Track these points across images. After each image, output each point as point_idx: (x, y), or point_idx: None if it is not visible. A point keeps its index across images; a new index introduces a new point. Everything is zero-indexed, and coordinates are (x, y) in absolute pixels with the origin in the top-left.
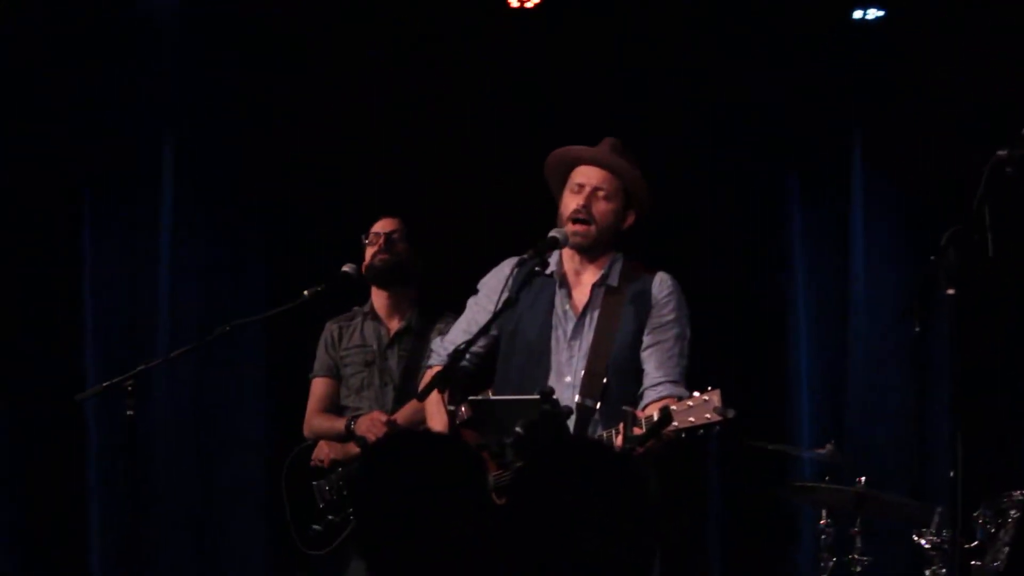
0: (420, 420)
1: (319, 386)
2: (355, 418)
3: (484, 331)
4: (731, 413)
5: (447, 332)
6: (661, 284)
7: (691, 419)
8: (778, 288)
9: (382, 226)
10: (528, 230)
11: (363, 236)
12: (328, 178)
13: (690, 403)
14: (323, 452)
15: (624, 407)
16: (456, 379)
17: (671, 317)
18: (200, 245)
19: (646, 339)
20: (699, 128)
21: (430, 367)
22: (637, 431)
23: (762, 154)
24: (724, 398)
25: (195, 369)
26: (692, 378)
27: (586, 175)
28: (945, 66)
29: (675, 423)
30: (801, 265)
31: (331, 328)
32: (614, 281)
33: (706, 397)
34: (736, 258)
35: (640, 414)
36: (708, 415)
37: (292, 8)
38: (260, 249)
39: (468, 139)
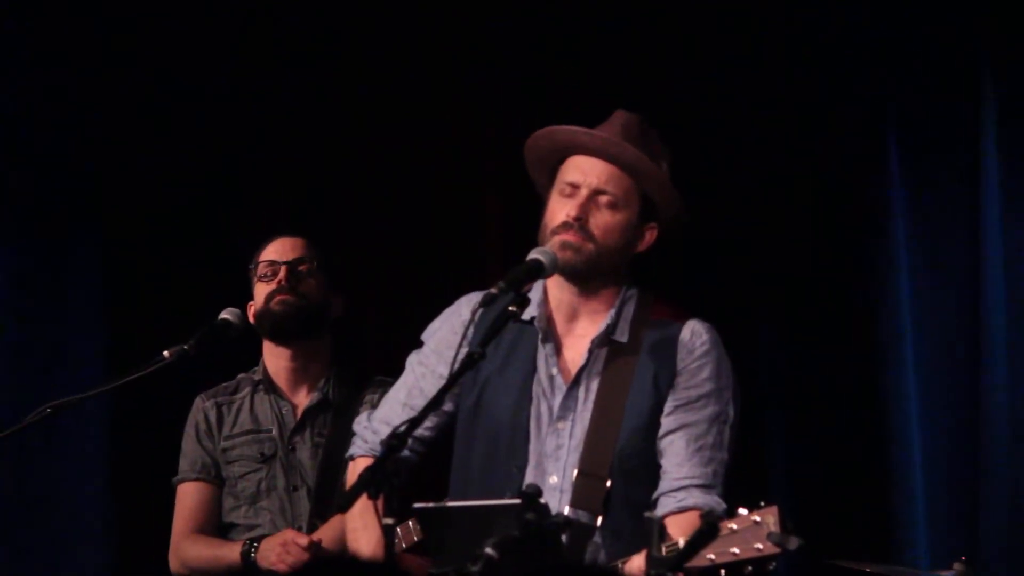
0: None
1: (189, 494)
2: (256, 542)
3: (434, 405)
4: (794, 543)
5: (378, 405)
6: (693, 337)
7: (734, 550)
8: (872, 328)
9: (280, 251)
10: (500, 253)
11: (250, 266)
12: (198, 179)
13: (733, 525)
14: None
15: (647, 514)
16: (393, 478)
17: (706, 389)
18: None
19: (666, 421)
20: (754, 98)
21: (351, 459)
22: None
23: (849, 128)
24: (786, 517)
25: (9, 466)
26: (736, 481)
27: (582, 170)
28: None
29: (711, 555)
30: (907, 287)
31: (203, 406)
32: (623, 333)
33: (756, 517)
34: (808, 286)
35: (672, 532)
36: (760, 545)
37: None
38: (94, 286)
39: (407, 117)
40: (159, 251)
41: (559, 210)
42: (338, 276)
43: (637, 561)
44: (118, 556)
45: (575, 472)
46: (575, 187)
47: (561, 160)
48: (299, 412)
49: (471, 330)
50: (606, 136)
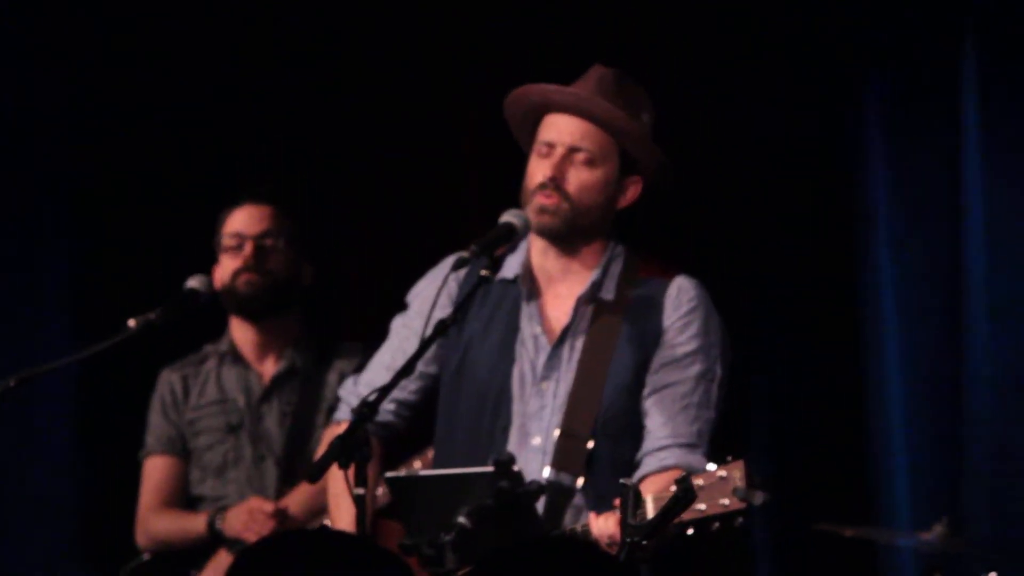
0: (322, 508)
1: (156, 468)
2: (221, 511)
3: (408, 368)
4: (759, 498)
5: (357, 370)
6: (680, 294)
7: (700, 506)
8: (852, 289)
9: (246, 222)
10: (478, 212)
11: (216, 235)
12: (165, 144)
13: (699, 481)
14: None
15: (623, 480)
16: (363, 445)
17: (691, 347)
18: None
19: (651, 380)
20: (734, 44)
21: (337, 423)
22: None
23: (825, 77)
24: (752, 471)
25: None
26: (724, 437)
27: (557, 128)
28: None
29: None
30: (886, 246)
31: (169, 379)
32: (609, 291)
33: (722, 473)
34: (791, 243)
35: (644, 493)
36: (725, 500)
37: None
38: (59, 254)
39: (379, 77)
40: (126, 214)
41: (536, 170)
42: (307, 243)
43: (603, 522)
44: (84, 529)
45: (558, 433)
46: (551, 146)
47: (539, 119)
48: (266, 381)
49: (449, 289)
50: (578, 92)
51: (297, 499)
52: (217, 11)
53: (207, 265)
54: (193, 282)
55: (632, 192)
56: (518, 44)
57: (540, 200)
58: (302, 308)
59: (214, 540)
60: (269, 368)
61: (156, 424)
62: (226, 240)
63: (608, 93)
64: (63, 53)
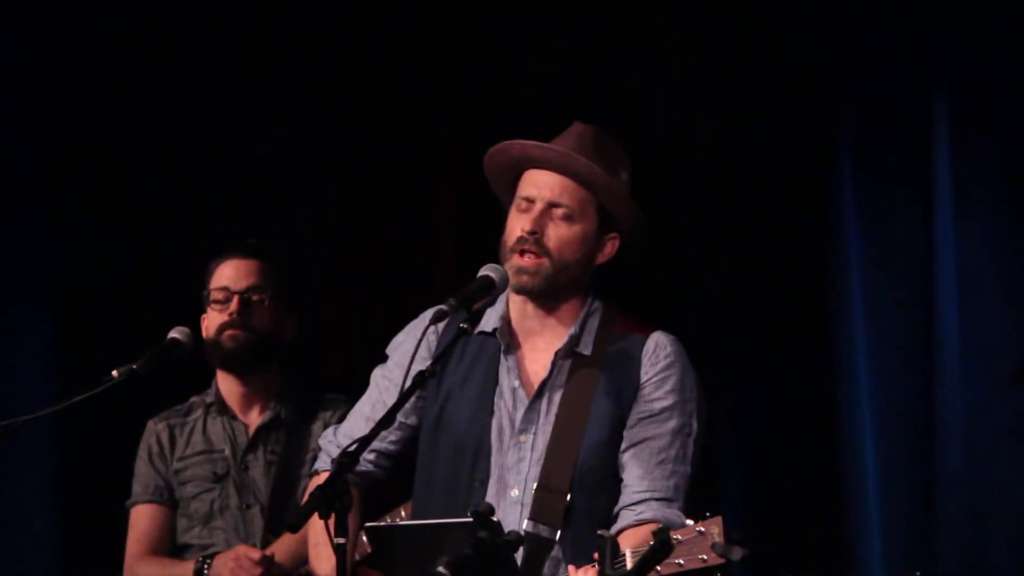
0: (307, 557)
1: (143, 516)
2: (208, 559)
3: (388, 419)
4: (738, 554)
5: (339, 421)
6: (657, 350)
7: (679, 561)
8: (825, 339)
9: (233, 277)
10: (453, 267)
11: (204, 289)
12: (148, 196)
13: (678, 536)
14: None
15: (601, 531)
16: (344, 495)
17: (668, 402)
18: None
19: (628, 434)
20: (695, 89)
21: (316, 473)
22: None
23: (802, 128)
24: (730, 527)
25: None
26: (698, 490)
27: (536, 184)
28: None
29: (657, 567)
30: (859, 293)
31: (156, 429)
32: (587, 346)
33: (700, 528)
34: (761, 297)
35: (622, 546)
36: (704, 556)
37: None
38: (41, 305)
39: (361, 132)
40: (109, 269)
41: (515, 225)
42: (293, 297)
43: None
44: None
45: (535, 486)
46: (530, 201)
47: (519, 174)
48: (251, 431)
49: (429, 342)
50: (557, 148)
51: (282, 547)
52: (211, 64)
53: (189, 314)
54: (176, 333)
55: (610, 248)
56: (497, 100)
57: (520, 262)
58: (285, 361)
59: None
60: (254, 418)
61: (143, 473)
62: (214, 294)
63: (588, 150)
64: (62, 53)
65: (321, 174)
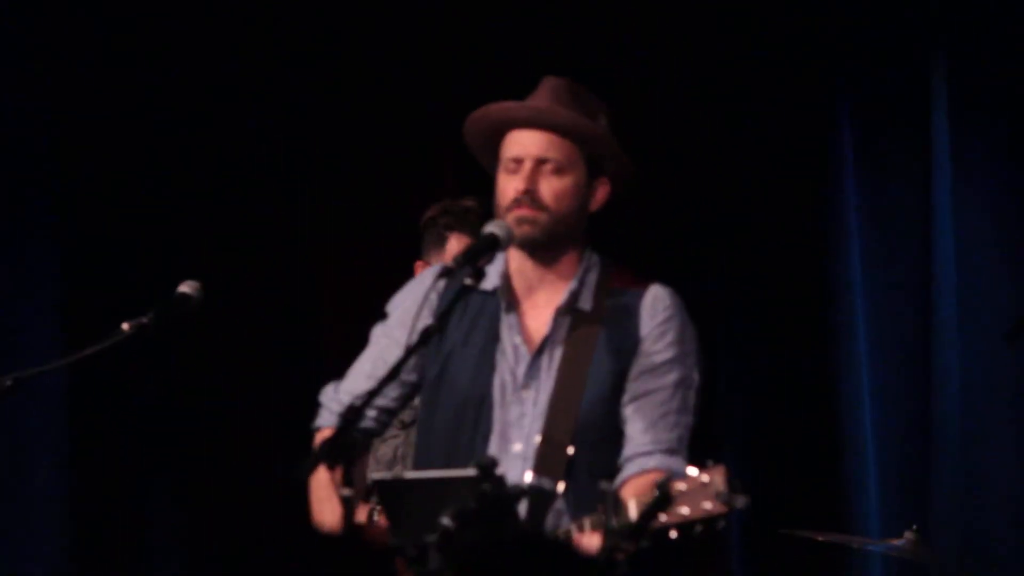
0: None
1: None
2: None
3: (390, 378)
4: (741, 501)
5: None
6: (655, 303)
7: (684, 510)
8: (824, 301)
9: None
10: None
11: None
12: (151, 142)
13: (682, 486)
14: None
15: (603, 484)
16: (351, 450)
17: (668, 355)
18: None
19: (631, 387)
20: (700, 50)
21: (317, 429)
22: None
23: (802, 95)
24: (735, 476)
25: None
26: (698, 443)
27: (521, 143)
28: None
29: (662, 516)
30: (859, 264)
31: None
32: (587, 301)
33: (704, 477)
34: (765, 256)
35: (625, 495)
36: (708, 504)
37: None
38: (51, 259)
39: (368, 104)
40: (116, 222)
41: (508, 187)
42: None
43: (587, 540)
44: (79, 530)
45: (538, 439)
46: (518, 161)
47: (501, 138)
48: None
49: (432, 300)
50: (538, 105)
51: None
52: (212, 49)
53: (198, 269)
54: (184, 287)
55: (601, 194)
56: (497, 86)
57: (519, 212)
58: None
59: None
60: None
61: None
62: None
63: (564, 101)
64: (60, 53)
65: (321, 158)
